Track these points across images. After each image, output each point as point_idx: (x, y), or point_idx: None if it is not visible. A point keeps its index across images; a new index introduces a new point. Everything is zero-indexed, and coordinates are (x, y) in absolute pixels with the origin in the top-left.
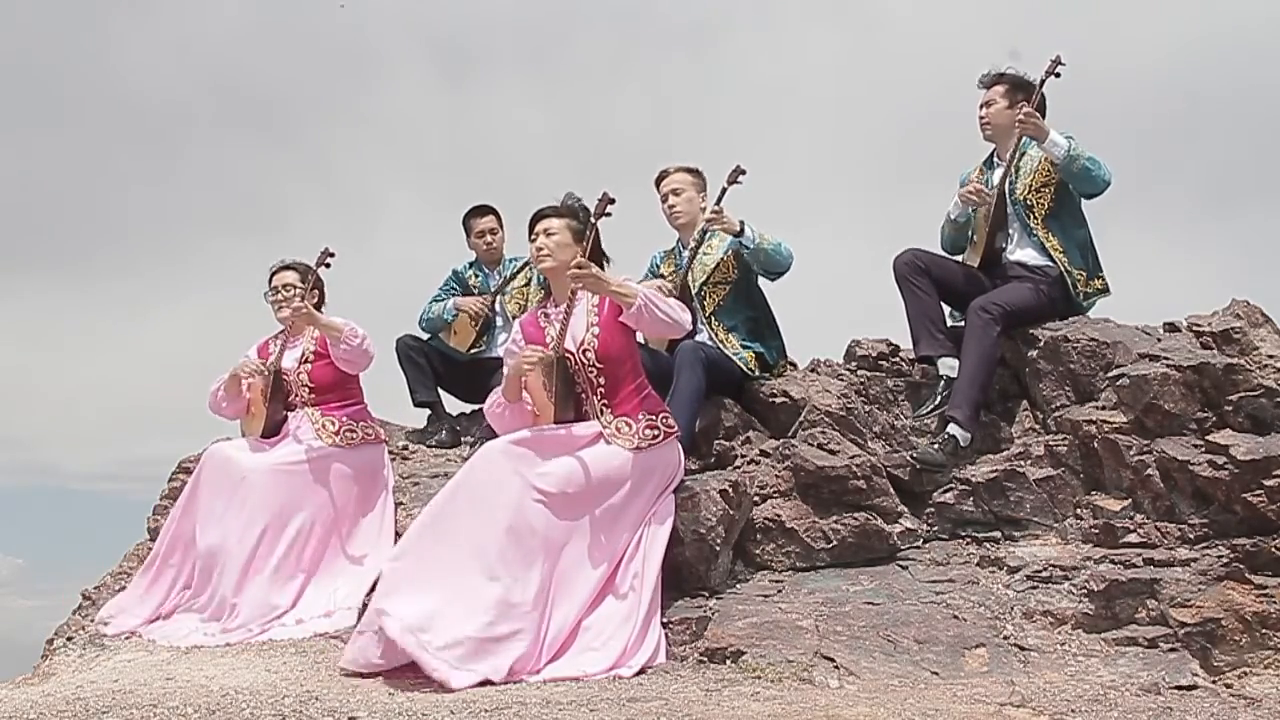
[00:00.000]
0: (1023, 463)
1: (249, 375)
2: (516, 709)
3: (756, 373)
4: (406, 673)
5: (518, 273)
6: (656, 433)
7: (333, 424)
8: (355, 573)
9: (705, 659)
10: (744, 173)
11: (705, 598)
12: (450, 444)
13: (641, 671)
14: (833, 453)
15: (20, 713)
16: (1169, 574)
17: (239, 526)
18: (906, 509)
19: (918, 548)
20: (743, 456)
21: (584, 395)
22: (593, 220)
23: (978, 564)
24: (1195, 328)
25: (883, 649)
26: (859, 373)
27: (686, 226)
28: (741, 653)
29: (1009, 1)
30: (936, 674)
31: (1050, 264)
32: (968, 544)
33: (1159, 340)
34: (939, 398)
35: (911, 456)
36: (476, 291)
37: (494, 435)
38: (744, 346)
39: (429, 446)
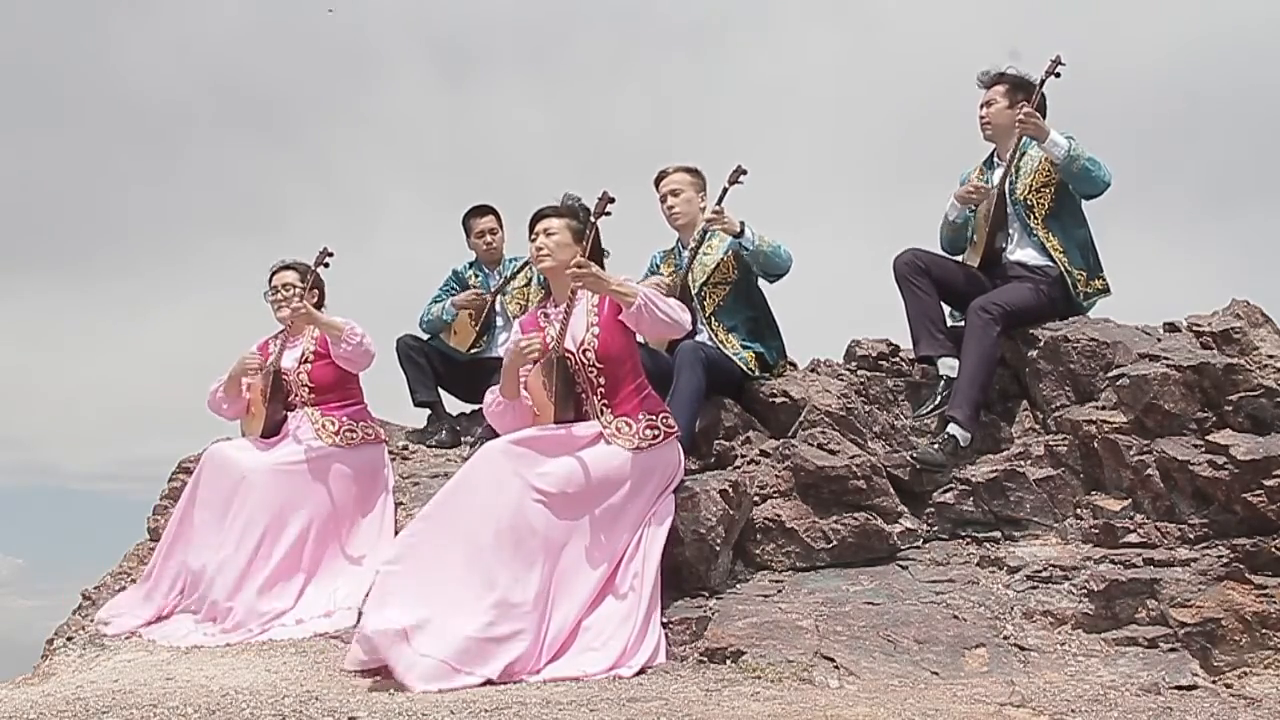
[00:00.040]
0: (1023, 463)
1: (250, 370)
2: (516, 709)
3: (756, 373)
4: None
5: (518, 272)
6: (656, 433)
7: (333, 424)
8: (355, 573)
9: (705, 659)
10: (745, 173)
11: (705, 598)
12: (450, 444)
13: (641, 671)
14: (833, 453)
15: (20, 713)
16: (1169, 574)
17: (239, 529)
18: (906, 509)
19: (918, 548)
20: (743, 456)
21: (584, 395)
22: (592, 219)
23: (978, 564)
24: (1195, 328)
25: (883, 649)
26: (859, 373)
27: (686, 227)
28: (741, 653)
29: (1009, 1)
30: (936, 674)
31: (1050, 264)
32: (968, 544)
33: (1159, 340)
34: (939, 398)
35: (911, 456)
36: (477, 295)
37: (494, 435)
38: (744, 347)
39: (429, 446)
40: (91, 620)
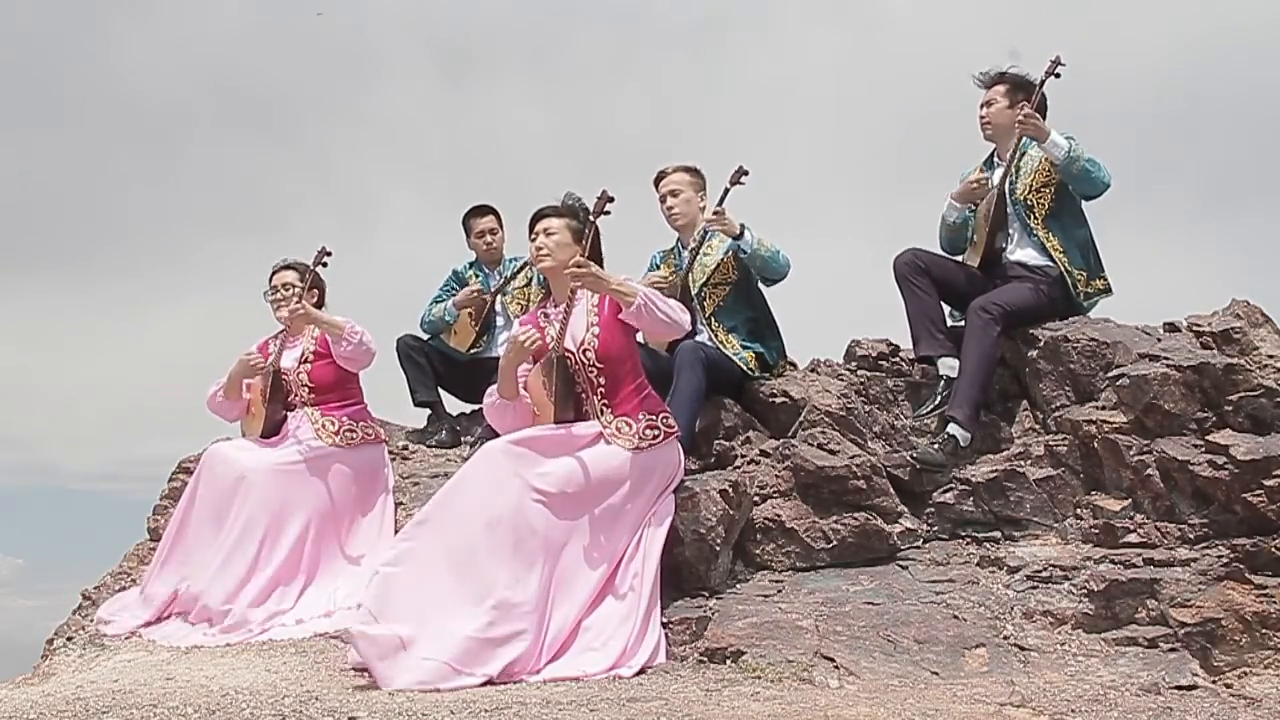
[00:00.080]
0: (1023, 463)
1: (253, 369)
2: (516, 709)
3: (756, 373)
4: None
5: (518, 272)
6: (656, 433)
7: (332, 424)
8: (355, 573)
9: (705, 659)
10: (746, 173)
11: (705, 598)
12: (450, 444)
13: (641, 671)
14: (833, 453)
15: (20, 713)
16: (1169, 574)
17: (239, 530)
18: (906, 509)
19: (918, 548)
20: (743, 456)
21: (584, 395)
22: (591, 219)
23: (978, 564)
24: (1195, 328)
25: (883, 649)
26: (859, 373)
27: (685, 227)
28: (741, 653)
29: (1009, 1)
30: (936, 674)
31: (1050, 264)
32: (968, 544)
33: (1159, 340)
34: (939, 398)
35: (911, 456)
36: (475, 293)
37: (494, 435)
38: (744, 347)
39: (429, 446)
40: (91, 620)
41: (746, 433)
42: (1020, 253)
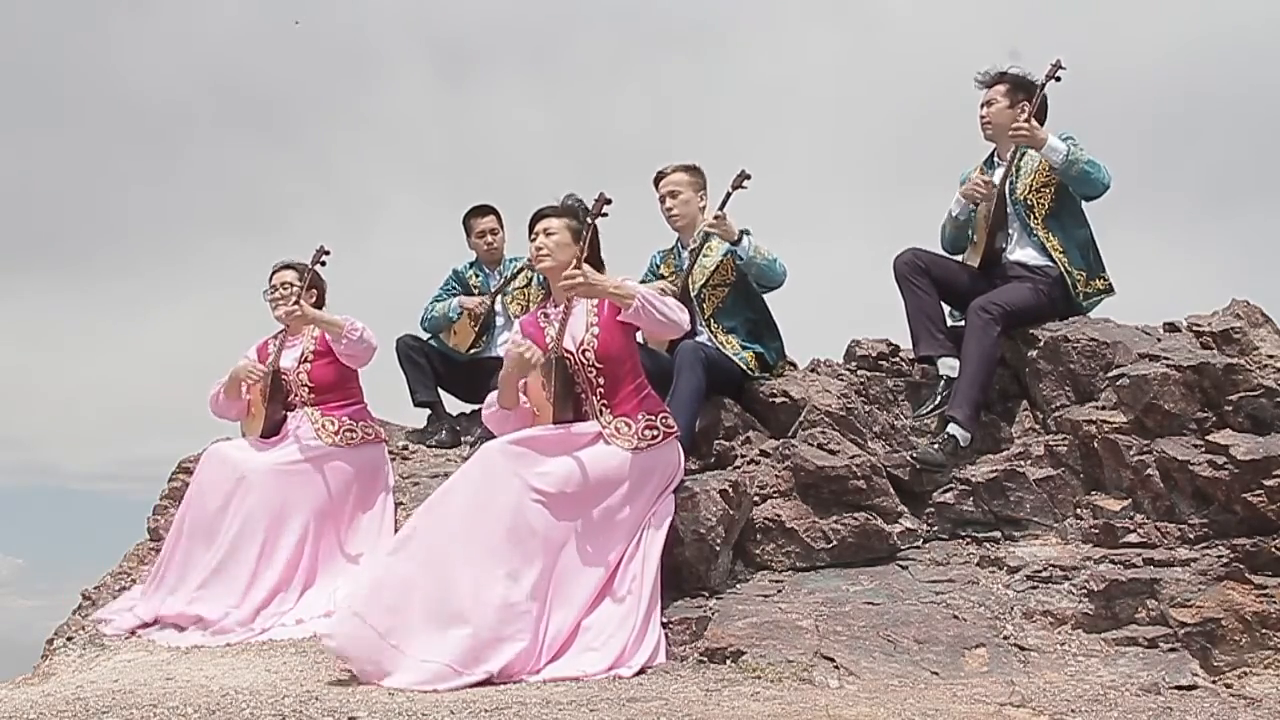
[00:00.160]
0: (1023, 463)
1: (252, 379)
2: (516, 709)
3: (756, 373)
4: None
5: (518, 273)
6: (656, 433)
7: (332, 424)
8: (355, 573)
9: (705, 659)
10: (749, 177)
11: (705, 598)
12: (450, 444)
13: (641, 671)
14: (833, 453)
15: (20, 713)
16: (1169, 574)
17: (239, 531)
18: (906, 509)
19: (918, 548)
20: (743, 456)
21: (583, 395)
22: (589, 221)
23: (978, 564)
24: (1195, 328)
25: (883, 649)
26: (859, 373)
27: (685, 228)
28: (741, 653)
29: (1009, 1)
30: (936, 674)
31: (1050, 264)
32: (968, 544)
33: (1159, 340)
34: (939, 398)
35: (911, 456)
36: (477, 292)
37: (493, 435)
38: (744, 347)
39: (429, 446)
40: (91, 620)
41: (746, 433)
42: (1020, 253)
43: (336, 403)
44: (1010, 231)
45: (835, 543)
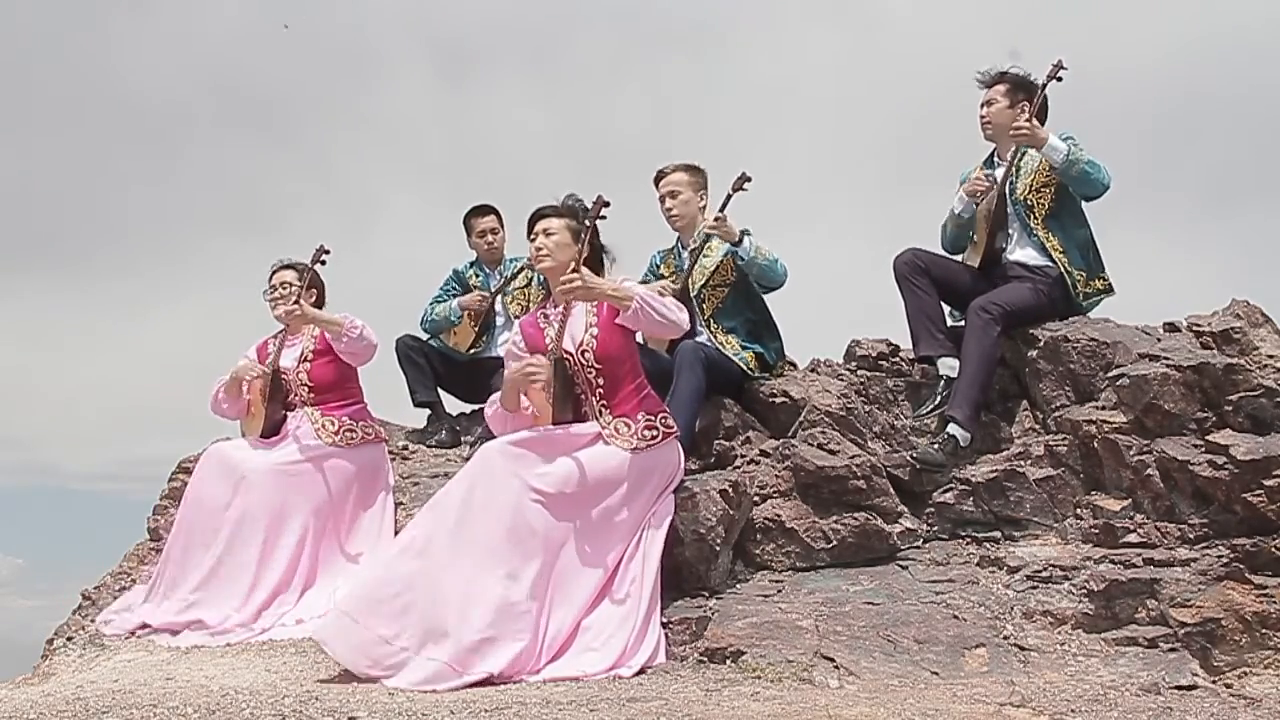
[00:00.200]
0: (1023, 463)
1: (252, 376)
2: (516, 709)
3: (756, 373)
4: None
5: (518, 273)
6: (655, 433)
7: (332, 424)
8: (355, 572)
9: (705, 659)
10: (749, 180)
11: (705, 598)
12: (450, 444)
13: (641, 671)
14: (833, 453)
15: (20, 713)
16: (1169, 574)
17: (239, 531)
18: (906, 509)
19: (918, 548)
20: (743, 456)
21: (583, 396)
22: (587, 223)
23: (978, 564)
24: (1195, 328)
25: (883, 649)
26: (859, 373)
27: (685, 228)
28: (741, 653)
29: (1009, 1)
30: (936, 674)
31: (1050, 264)
32: (968, 544)
33: (1159, 340)
34: (939, 398)
35: (911, 456)
36: (477, 290)
37: (494, 435)
38: (744, 347)
39: (429, 446)
40: (91, 620)
41: (746, 433)
42: (1020, 253)
43: (336, 402)
44: (1010, 231)
45: (835, 543)
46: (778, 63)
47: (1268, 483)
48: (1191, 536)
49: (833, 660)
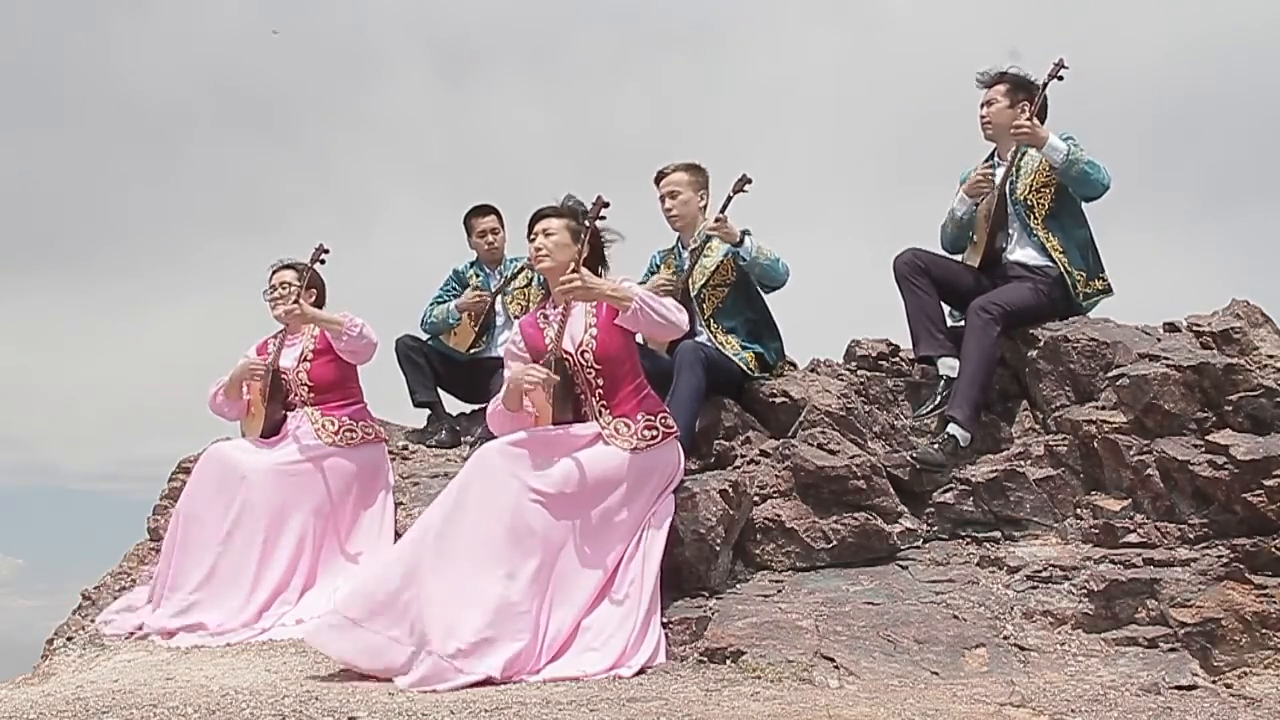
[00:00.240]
0: (1023, 463)
1: (254, 375)
2: (516, 709)
3: (756, 373)
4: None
5: (519, 273)
6: (655, 433)
7: (332, 424)
8: (355, 572)
9: (705, 659)
10: (750, 182)
11: (705, 598)
12: (450, 444)
13: (641, 671)
14: (833, 453)
15: (20, 713)
16: (1169, 574)
17: (239, 531)
18: (906, 509)
19: (918, 548)
20: (743, 456)
21: (583, 396)
22: (586, 224)
23: (978, 564)
24: (1195, 328)
25: (883, 649)
26: (859, 373)
27: (684, 228)
28: (741, 653)
29: (1009, 1)
30: (936, 674)
31: (1050, 264)
32: (968, 544)
33: (1159, 340)
34: (939, 398)
35: (911, 456)
36: (478, 297)
37: (494, 435)
38: (744, 347)
39: (429, 446)
40: (91, 620)
41: (746, 433)
42: (1020, 253)
43: (336, 402)
44: (1010, 231)
45: (835, 543)
46: (778, 63)
47: (1268, 483)
48: (1191, 536)
49: (833, 660)
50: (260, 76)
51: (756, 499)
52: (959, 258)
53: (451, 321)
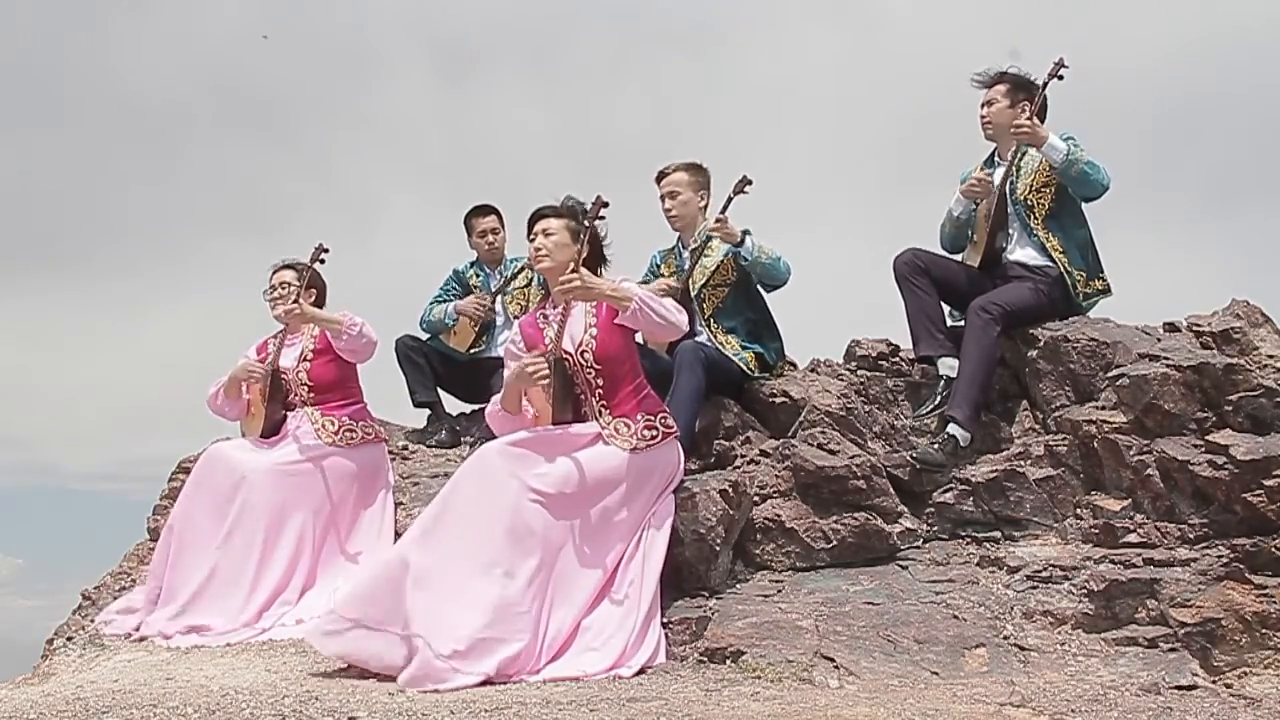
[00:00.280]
0: (1023, 463)
1: (253, 377)
2: (516, 709)
3: (756, 373)
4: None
5: (518, 273)
6: (655, 433)
7: (332, 424)
8: (355, 572)
9: (705, 659)
10: (750, 183)
11: (705, 598)
12: (450, 444)
13: (641, 671)
14: (833, 453)
15: (20, 713)
16: (1169, 574)
17: (239, 531)
18: (906, 509)
19: (918, 548)
20: (743, 456)
21: (582, 396)
22: (586, 224)
23: (978, 564)
24: (1195, 328)
25: (883, 649)
26: (859, 373)
27: (684, 229)
28: (741, 653)
29: (1009, 1)
30: (936, 674)
31: (1050, 264)
32: (968, 544)
33: (1159, 340)
34: (939, 398)
35: (911, 456)
36: (477, 291)
37: (494, 436)
38: (744, 347)
39: (429, 446)
40: (91, 620)
41: (746, 433)
42: (1020, 253)
43: (336, 402)
44: (1010, 231)
45: (835, 543)
46: (778, 63)
47: (1268, 483)
48: (1191, 536)
49: (833, 660)
50: (260, 76)
51: (756, 499)
52: (959, 258)
53: (449, 322)
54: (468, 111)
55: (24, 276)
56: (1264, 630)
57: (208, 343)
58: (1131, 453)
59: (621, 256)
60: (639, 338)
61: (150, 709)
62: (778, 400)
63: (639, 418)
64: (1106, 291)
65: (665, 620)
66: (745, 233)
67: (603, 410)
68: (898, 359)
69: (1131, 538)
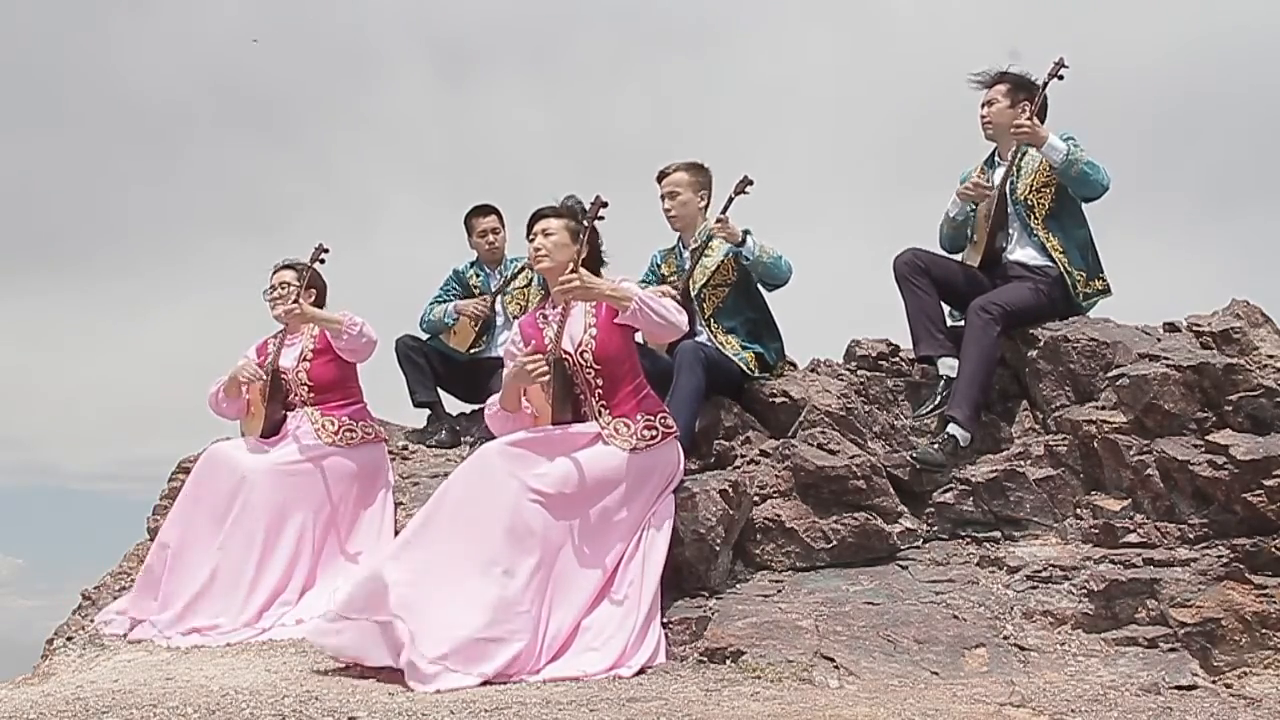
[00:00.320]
0: (1023, 463)
1: (250, 379)
2: (516, 709)
3: (756, 373)
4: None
5: (519, 273)
6: (655, 433)
7: (332, 424)
8: (355, 572)
9: (705, 659)
10: (751, 183)
11: (705, 598)
12: (450, 444)
13: (641, 671)
14: (833, 453)
15: (20, 713)
16: (1169, 574)
17: (239, 531)
18: (906, 509)
19: (918, 548)
20: (743, 456)
21: (582, 396)
22: (585, 224)
23: (978, 564)
24: (1195, 328)
25: (883, 649)
26: (859, 373)
27: (684, 229)
28: (741, 653)
29: (1009, 1)
30: (936, 674)
31: (1050, 264)
32: (968, 544)
33: (1159, 340)
34: (939, 398)
35: (911, 456)
36: (477, 291)
37: (493, 436)
38: (744, 347)
39: (429, 446)
40: (91, 620)
41: (746, 433)
42: (1020, 253)
43: (336, 402)
44: (1010, 231)
45: (835, 543)
46: (778, 63)
47: (1268, 483)
48: (1191, 536)
49: (833, 660)
50: (260, 76)
51: (756, 499)
52: (959, 258)
53: (449, 322)
54: (468, 111)
55: (24, 276)
56: (1264, 630)
57: (208, 343)
58: (1131, 453)
59: (621, 256)
60: (639, 338)
61: (150, 709)
62: (778, 400)
63: (639, 418)
64: (1106, 291)
65: (665, 620)
66: (746, 232)
67: (602, 410)
68: (898, 359)
69: (1131, 538)
